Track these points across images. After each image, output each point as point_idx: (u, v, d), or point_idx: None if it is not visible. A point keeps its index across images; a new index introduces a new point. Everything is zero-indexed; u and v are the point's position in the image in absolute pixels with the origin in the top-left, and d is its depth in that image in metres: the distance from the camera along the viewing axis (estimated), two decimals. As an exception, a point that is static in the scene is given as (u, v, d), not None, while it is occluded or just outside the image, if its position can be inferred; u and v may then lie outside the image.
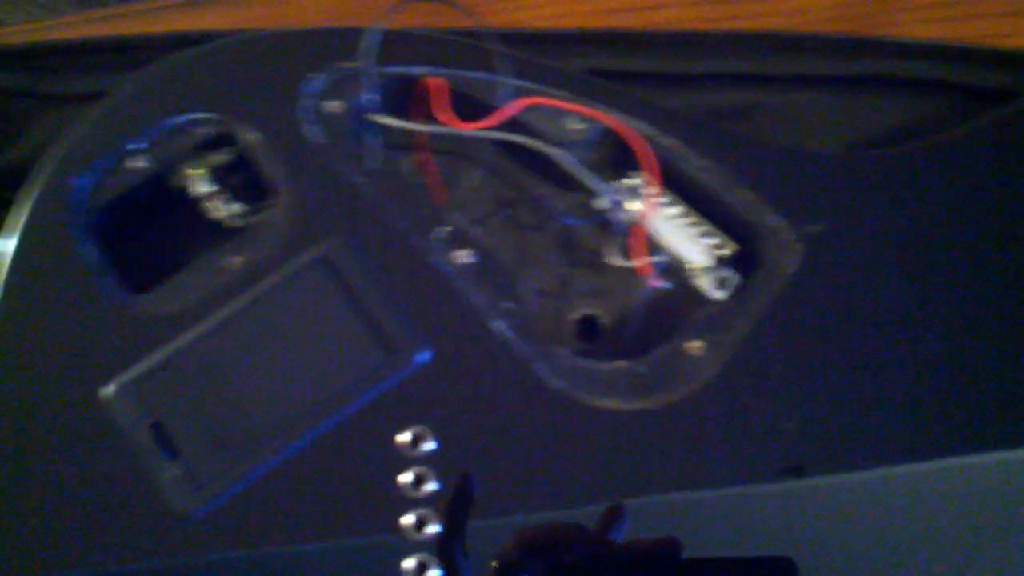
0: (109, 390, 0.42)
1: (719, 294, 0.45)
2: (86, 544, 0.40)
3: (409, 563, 0.40)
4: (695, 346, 0.42)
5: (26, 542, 0.40)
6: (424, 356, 0.42)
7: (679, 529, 0.36)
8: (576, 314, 0.47)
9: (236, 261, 0.44)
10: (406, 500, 0.40)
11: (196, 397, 0.42)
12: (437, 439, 0.41)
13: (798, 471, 0.41)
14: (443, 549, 0.36)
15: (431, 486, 0.41)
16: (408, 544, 0.40)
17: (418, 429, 0.41)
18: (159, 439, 0.41)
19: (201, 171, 0.46)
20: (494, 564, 0.35)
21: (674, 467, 0.41)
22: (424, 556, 0.40)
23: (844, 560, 0.41)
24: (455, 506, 0.37)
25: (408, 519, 0.40)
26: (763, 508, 0.41)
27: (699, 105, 0.50)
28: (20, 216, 0.44)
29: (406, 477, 0.41)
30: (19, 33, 0.57)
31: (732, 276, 0.45)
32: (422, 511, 0.40)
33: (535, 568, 0.36)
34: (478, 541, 0.36)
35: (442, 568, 0.36)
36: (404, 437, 0.41)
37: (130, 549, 0.40)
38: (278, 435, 0.41)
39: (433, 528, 0.40)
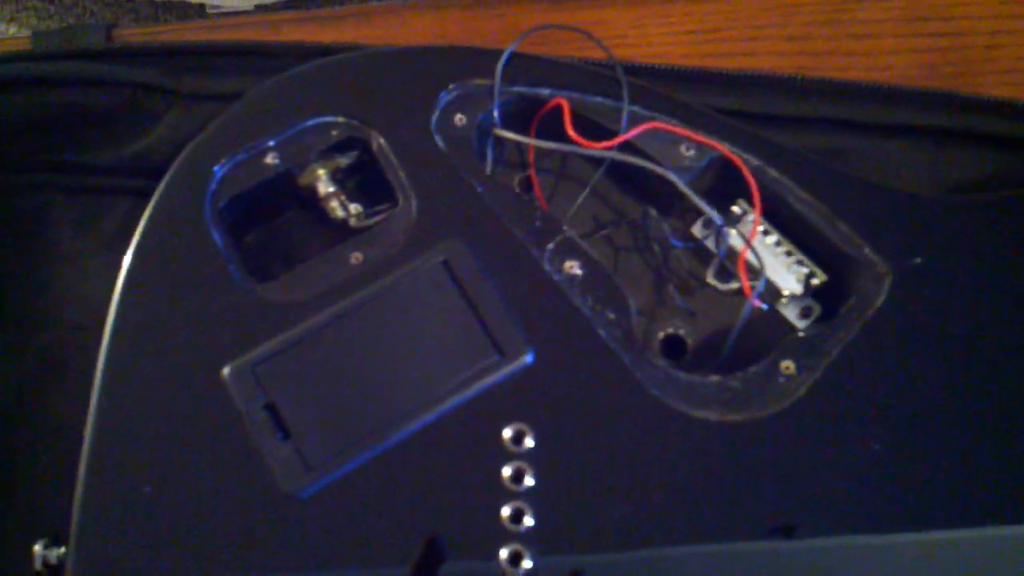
0: (228, 370, 0.44)
1: (801, 322, 0.48)
2: (193, 515, 0.42)
3: (504, 552, 0.42)
4: (787, 366, 0.45)
5: (135, 506, 0.43)
6: (530, 357, 0.44)
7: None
8: (664, 332, 0.49)
9: (357, 257, 0.47)
10: (505, 493, 0.43)
11: (310, 383, 0.44)
12: (537, 437, 0.43)
13: (788, 531, 0.43)
14: None
15: (529, 481, 0.43)
16: (505, 534, 0.42)
17: (520, 426, 0.44)
18: (273, 420, 0.43)
19: (323, 172, 0.49)
20: None
21: (764, 487, 0.43)
22: (519, 547, 0.42)
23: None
24: (423, 565, 0.40)
25: (506, 511, 0.43)
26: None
27: (797, 148, 0.53)
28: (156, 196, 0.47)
29: (506, 471, 0.43)
30: (154, 34, 0.61)
31: (815, 305, 0.48)
32: (519, 504, 0.43)
33: None
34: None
35: None
36: (506, 433, 0.43)
37: (237, 524, 0.42)
38: (386, 423, 0.43)
39: (529, 521, 0.42)
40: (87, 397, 0.44)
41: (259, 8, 0.73)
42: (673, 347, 0.50)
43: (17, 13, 0.83)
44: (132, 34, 0.61)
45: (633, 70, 0.53)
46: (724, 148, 0.47)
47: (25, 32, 0.83)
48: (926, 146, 0.55)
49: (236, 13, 0.72)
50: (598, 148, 0.47)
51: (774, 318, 0.48)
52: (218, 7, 0.74)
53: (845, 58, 0.60)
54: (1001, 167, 0.55)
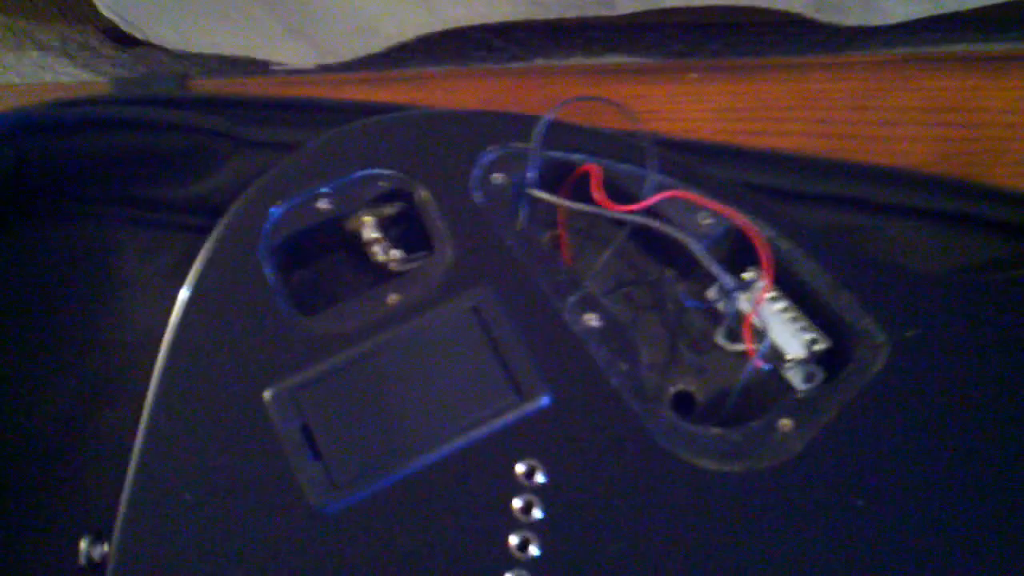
0: (270, 393, 0.48)
1: (804, 386, 0.51)
2: (228, 521, 0.46)
3: (509, 577, 0.45)
4: (786, 424, 0.48)
5: (175, 510, 0.46)
6: (546, 400, 0.48)
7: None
8: (675, 388, 0.53)
9: (394, 298, 0.51)
10: (514, 522, 0.46)
11: (343, 409, 0.48)
12: (548, 473, 0.47)
13: None
14: None
15: (537, 513, 0.46)
16: (511, 561, 0.46)
17: (532, 462, 0.47)
18: (306, 440, 0.47)
19: (370, 219, 0.53)
20: None
21: (758, 535, 0.46)
22: (523, 574, 0.45)
23: None
24: None
25: (514, 539, 0.46)
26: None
27: (810, 221, 0.56)
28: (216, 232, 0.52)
29: (516, 503, 0.46)
30: (224, 86, 0.66)
31: (818, 371, 0.51)
32: (527, 534, 0.46)
33: None
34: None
35: None
36: (519, 468, 0.47)
37: (267, 532, 0.46)
38: (410, 450, 0.47)
39: (535, 551, 0.46)
40: (138, 410, 0.49)
41: (321, 68, 0.78)
42: (683, 403, 0.53)
43: (92, 60, 0.89)
44: (204, 85, 0.66)
45: (663, 142, 0.56)
46: (740, 218, 0.51)
47: (100, 78, 0.89)
48: (936, 229, 0.58)
49: (300, 72, 0.77)
50: (622, 211, 0.51)
51: (779, 380, 0.51)
52: (282, 64, 0.80)
53: (867, 142, 0.64)
54: (1007, 253, 0.58)
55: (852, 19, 0.72)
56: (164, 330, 0.50)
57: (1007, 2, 0.68)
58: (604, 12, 0.73)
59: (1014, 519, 0.47)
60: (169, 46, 0.77)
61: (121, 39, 0.83)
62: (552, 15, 0.74)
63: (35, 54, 0.89)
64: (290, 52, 0.77)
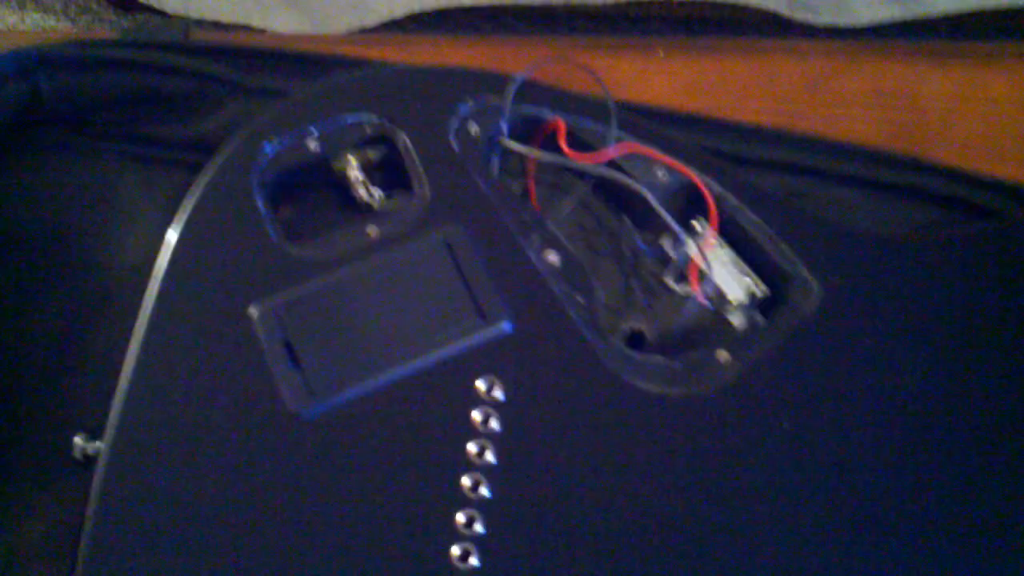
0: (256, 309, 0.53)
1: (744, 328, 0.56)
2: (215, 422, 0.51)
3: (466, 481, 0.50)
4: (723, 354, 0.53)
5: (166, 410, 0.51)
6: (508, 325, 0.53)
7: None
8: (628, 326, 0.58)
9: (374, 230, 0.56)
10: (473, 432, 0.51)
11: (323, 325, 0.53)
12: (505, 390, 0.52)
13: None
14: None
15: (494, 425, 0.51)
16: (470, 465, 0.51)
17: (492, 379, 0.52)
18: (287, 352, 0.52)
19: (355, 160, 0.58)
20: None
21: (692, 452, 0.51)
22: (480, 477, 0.50)
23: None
24: None
25: (472, 447, 0.51)
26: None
27: (759, 184, 0.61)
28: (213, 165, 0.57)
29: (476, 414, 0.51)
30: (221, 37, 0.71)
31: (758, 316, 0.56)
32: (483, 442, 0.51)
33: None
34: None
35: None
36: (480, 384, 0.52)
37: (250, 432, 0.51)
38: (383, 363, 0.52)
39: (491, 458, 0.51)
40: (131, 326, 0.53)
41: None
42: (635, 342, 0.58)
43: (93, 23, 0.94)
44: (206, 36, 0.71)
45: (627, 106, 0.62)
46: (692, 173, 0.56)
47: (101, 40, 0.93)
48: (876, 196, 0.64)
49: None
50: (585, 162, 0.56)
51: (723, 323, 0.56)
52: (277, 33, 0.84)
53: (818, 121, 0.69)
54: (939, 218, 0.63)
55: (824, 19, 0.77)
56: (158, 256, 0.55)
57: (973, 11, 0.73)
58: (589, 0, 0.78)
59: (922, 455, 0.52)
60: (169, 10, 0.81)
61: (121, 3, 0.87)
62: (538, 1, 0.79)
63: (36, 15, 0.94)
64: (285, 21, 0.82)
